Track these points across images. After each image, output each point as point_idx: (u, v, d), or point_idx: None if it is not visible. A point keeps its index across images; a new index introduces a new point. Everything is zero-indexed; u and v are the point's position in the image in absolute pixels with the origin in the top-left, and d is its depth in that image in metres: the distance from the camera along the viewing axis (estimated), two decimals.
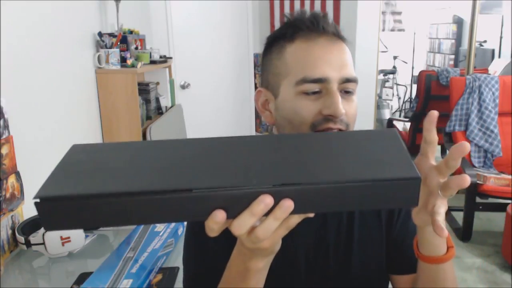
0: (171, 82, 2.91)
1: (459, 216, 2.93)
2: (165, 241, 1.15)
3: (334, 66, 0.66)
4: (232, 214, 0.42)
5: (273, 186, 0.40)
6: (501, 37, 5.52)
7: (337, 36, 0.69)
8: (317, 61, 0.66)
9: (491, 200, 2.78)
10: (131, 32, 2.36)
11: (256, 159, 0.44)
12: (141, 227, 1.23)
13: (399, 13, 6.80)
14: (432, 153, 0.55)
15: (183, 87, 3.49)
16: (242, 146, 0.47)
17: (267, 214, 0.42)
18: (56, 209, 0.40)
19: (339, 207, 0.42)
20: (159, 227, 1.24)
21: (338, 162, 0.44)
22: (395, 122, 4.43)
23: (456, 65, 6.35)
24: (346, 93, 0.68)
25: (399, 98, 6.35)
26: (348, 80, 0.67)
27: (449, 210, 3.14)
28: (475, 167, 2.97)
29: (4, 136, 1.21)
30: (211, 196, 0.40)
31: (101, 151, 0.48)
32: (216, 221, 0.41)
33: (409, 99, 6.21)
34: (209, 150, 0.47)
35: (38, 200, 0.40)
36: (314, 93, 0.66)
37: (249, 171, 0.42)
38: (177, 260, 1.14)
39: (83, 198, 0.40)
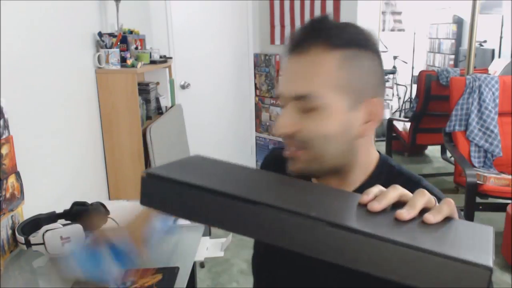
0: (171, 82, 2.91)
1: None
2: None
3: (287, 82, 0.66)
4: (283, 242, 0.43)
5: (329, 224, 0.41)
6: (501, 37, 5.52)
7: (323, 44, 0.63)
8: (281, 78, 0.68)
9: (491, 200, 2.78)
10: (131, 32, 2.36)
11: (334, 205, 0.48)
12: None
13: (399, 13, 6.80)
14: None
15: (183, 87, 3.49)
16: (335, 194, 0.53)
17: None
18: (158, 188, 0.46)
19: (392, 274, 0.39)
20: None
21: (407, 230, 0.42)
22: (395, 122, 4.43)
23: (456, 65, 6.35)
24: (307, 109, 0.64)
25: (399, 98, 6.34)
26: (298, 97, 0.64)
27: None
28: (475, 167, 2.97)
29: (4, 136, 1.21)
30: (282, 217, 0.42)
31: (217, 163, 0.56)
32: None
33: (409, 99, 6.21)
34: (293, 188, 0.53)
35: (145, 175, 0.46)
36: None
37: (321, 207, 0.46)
38: (177, 261, 1.14)
39: (185, 185, 0.45)
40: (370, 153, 0.72)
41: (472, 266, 0.35)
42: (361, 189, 0.66)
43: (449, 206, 0.45)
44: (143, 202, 0.47)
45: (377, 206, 0.44)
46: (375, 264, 0.39)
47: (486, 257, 0.37)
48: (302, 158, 0.66)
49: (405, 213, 0.43)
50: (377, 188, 0.47)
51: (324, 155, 0.65)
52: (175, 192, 0.45)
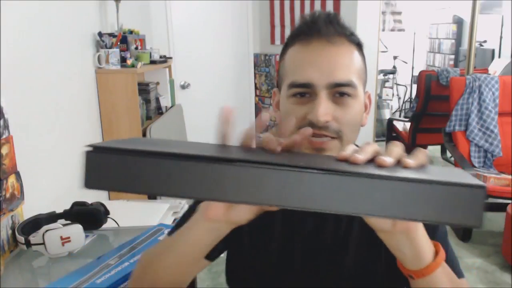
0: (171, 82, 2.90)
1: None
2: None
3: (322, 70, 0.65)
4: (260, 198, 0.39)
5: (321, 171, 0.38)
6: (501, 37, 5.52)
7: (341, 37, 0.68)
8: (305, 66, 0.66)
9: (491, 200, 2.78)
10: (131, 32, 2.36)
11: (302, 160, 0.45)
12: (145, 236, 1.22)
13: (399, 13, 6.80)
14: None
15: (183, 87, 3.49)
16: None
17: None
18: (104, 162, 0.39)
19: (382, 210, 0.38)
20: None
21: (395, 172, 0.41)
22: (395, 122, 4.43)
23: (456, 65, 6.35)
24: (340, 97, 0.66)
25: (399, 98, 6.34)
26: (338, 85, 0.65)
27: None
28: (475, 167, 2.97)
29: (4, 136, 1.21)
30: (256, 171, 0.38)
31: (165, 140, 0.52)
32: None
33: (409, 99, 6.21)
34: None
35: (90, 149, 0.39)
36: (302, 96, 0.67)
37: (294, 160, 0.42)
38: None
39: (133, 153, 0.39)
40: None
41: (467, 188, 0.37)
42: None
43: (424, 154, 0.45)
44: (89, 183, 0.39)
45: (359, 157, 0.43)
46: (373, 205, 0.38)
47: (475, 180, 0.38)
48: (334, 148, 0.66)
49: (386, 159, 0.43)
50: (352, 147, 0.47)
51: (351, 143, 0.67)
52: (135, 164, 0.39)
